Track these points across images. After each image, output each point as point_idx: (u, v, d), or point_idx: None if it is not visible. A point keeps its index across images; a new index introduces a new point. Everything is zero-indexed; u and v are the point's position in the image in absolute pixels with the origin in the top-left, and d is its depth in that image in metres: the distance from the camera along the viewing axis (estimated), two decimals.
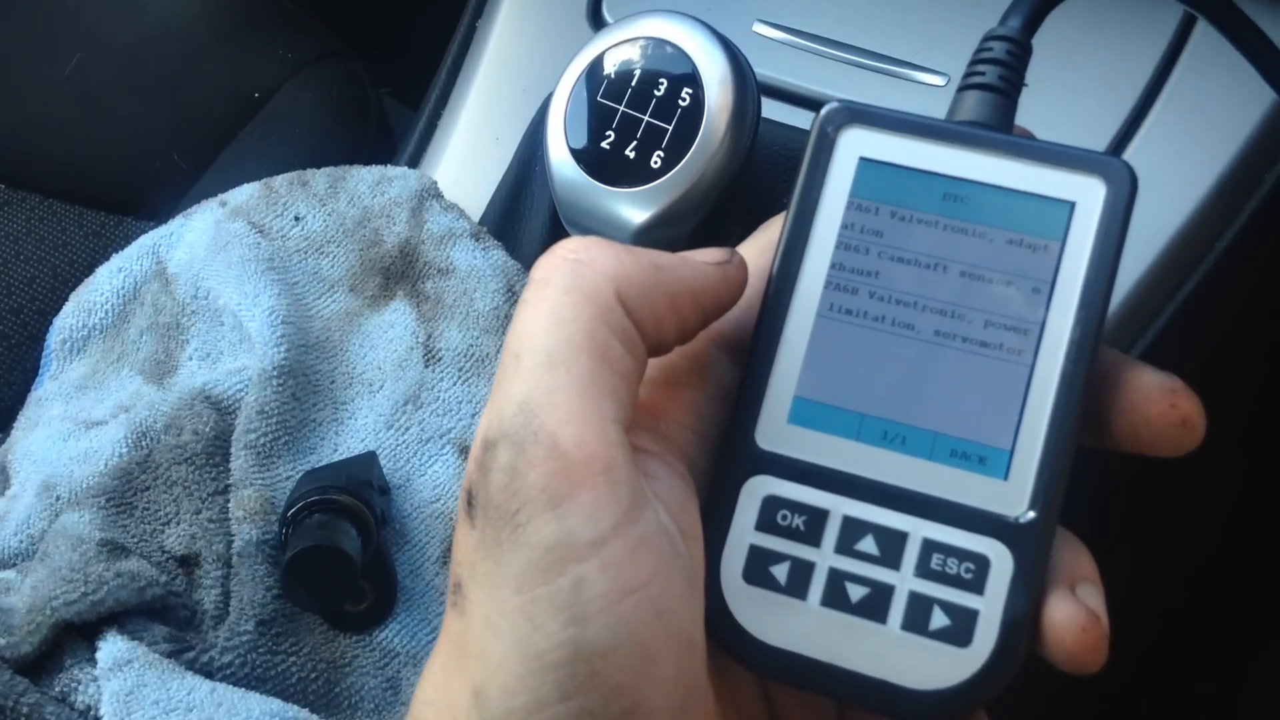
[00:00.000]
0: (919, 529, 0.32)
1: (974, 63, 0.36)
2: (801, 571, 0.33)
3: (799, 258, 0.34)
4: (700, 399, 0.35)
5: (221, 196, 0.65)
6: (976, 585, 0.32)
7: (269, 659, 0.50)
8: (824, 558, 0.33)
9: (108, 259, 0.65)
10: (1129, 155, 0.56)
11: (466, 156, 0.67)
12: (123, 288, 0.63)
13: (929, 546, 0.32)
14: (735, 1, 0.62)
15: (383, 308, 0.61)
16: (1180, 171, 0.57)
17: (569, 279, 0.31)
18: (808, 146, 0.35)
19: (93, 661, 0.48)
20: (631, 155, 0.51)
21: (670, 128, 0.51)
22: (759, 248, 0.36)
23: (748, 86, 0.51)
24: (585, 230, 0.53)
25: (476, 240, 0.61)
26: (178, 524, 0.53)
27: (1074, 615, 0.31)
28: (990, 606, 0.32)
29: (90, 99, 0.78)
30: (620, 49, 0.52)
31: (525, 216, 0.62)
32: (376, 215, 0.63)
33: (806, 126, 0.58)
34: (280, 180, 0.65)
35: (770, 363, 0.34)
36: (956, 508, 0.32)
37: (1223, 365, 0.65)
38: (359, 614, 0.52)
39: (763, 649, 0.33)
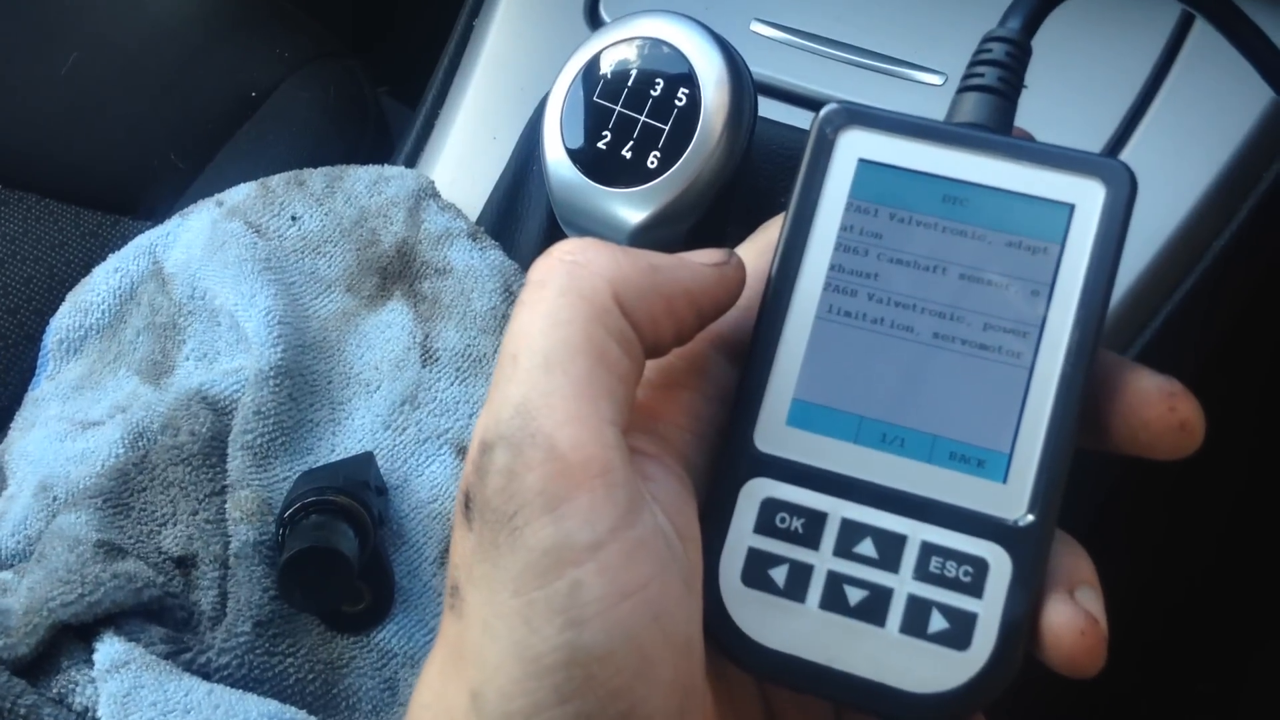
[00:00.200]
0: (918, 532, 0.32)
1: (973, 64, 0.36)
2: (800, 574, 0.33)
3: (798, 259, 0.34)
4: (698, 401, 0.34)
5: (218, 196, 0.65)
6: (975, 588, 0.32)
7: (266, 660, 0.50)
8: (822, 560, 0.33)
9: (104, 259, 0.65)
10: (1126, 155, 0.56)
11: (464, 156, 0.67)
12: (119, 288, 0.63)
13: (928, 549, 0.32)
14: (733, 1, 0.62)
15: (380, 308, 0.60)
16: (1178, 171, 0.56)
17: (566, 281, 0.31)
18: (807, 148, 0.35)
19: (90, 663, 0.48)
20: (628, 155, 0.51)
21: (667, 128, 0.51)
22: (758, 249, 0.36)
23: (744, 86, 0.51)
24: (582, 230, 0.53)
25: (474, 240, 0.61)
26: (174, 525, 0.53)
27: (1072, 619, 0.31)
28: (989, 610, 0.32)
29: (87, 98, 0.78)
30: (617, 49, 0.52)
31: (522, 216, 0.62)
32: (373, 215, 0.63)
33: (804, 126, 0.58)
34: (277, 180, 0.65)
35: (769, 365, 0.34)
36: (955, 511, 0.32)
37: (1221, 365, 0.65)
38: (356, 615, 0.52)
39: (761, 652, 0.32)
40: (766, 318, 0.34)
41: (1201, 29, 0.58)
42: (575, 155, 0.52)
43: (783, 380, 0.34)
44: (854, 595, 0.32)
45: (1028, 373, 0.33)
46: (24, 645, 0.47)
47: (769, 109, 0.58)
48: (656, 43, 0.52)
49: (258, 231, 0.62)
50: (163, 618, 0.50)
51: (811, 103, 0.61)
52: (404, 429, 0.57)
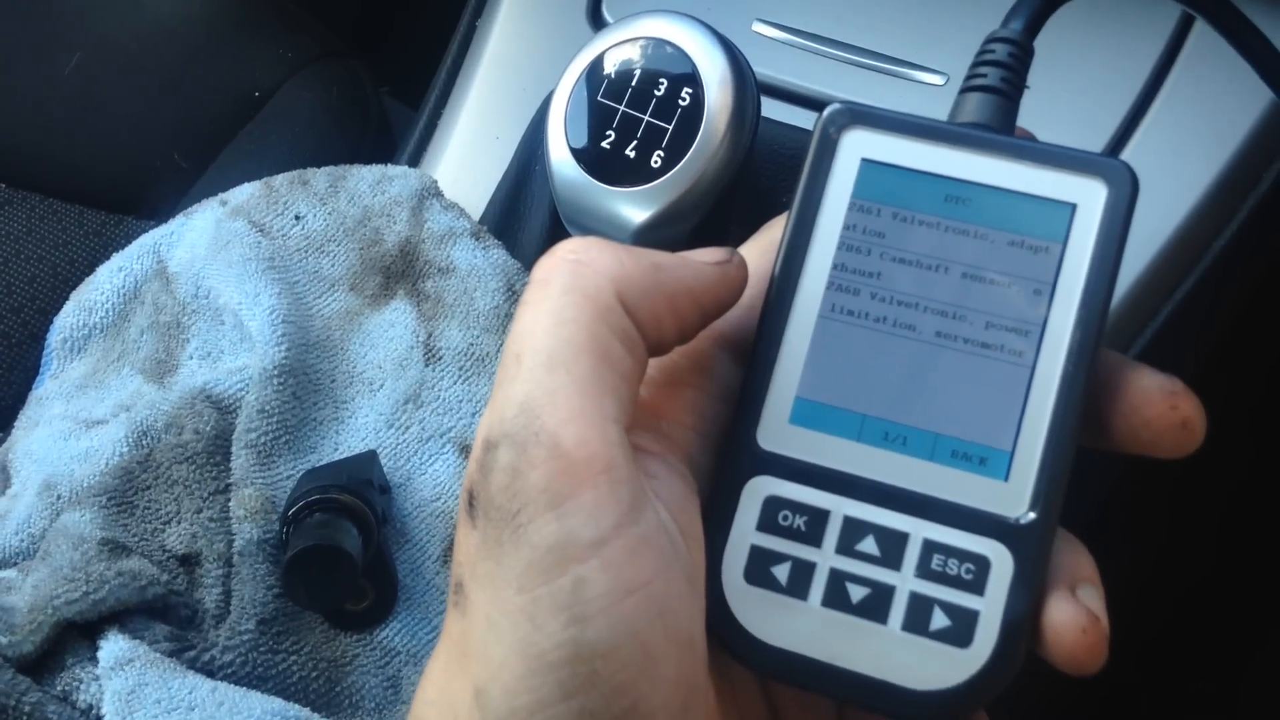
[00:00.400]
0: (920, 530, 0.33)
1: (976, 64, 0.36)
2: (802, 572, 0.33)
3: (801, 258, 0.34)
4: (701, 399, 0.35)
5: (222, 196, 0.65)
6: (977, 586, 0.32)
7: (270, 658, 0.50)
8: (825, 558, 0.33)
9: (108, 258, 0.65)
10: (1127, 155, 0.56)
11: (466, 156, 0.67)
12: (123, 287, 0.63)
13: (930, 547, 0.32)
14: (735, 1, 0.62)
15: (383, 307, 0.61)
16: (1178, 171, 0.57)
17: (569, 279, 0.31)
18: (810, 147, 0.35)
19: (94, 660, 0.48)
20: (632, 155, 0.51)
21: (670, 127, 0.51)
22: (760, 248, 0.36)
23: (747, 86, 0.51)
24: (585, 230, 0.53)
25: (477, 239, 0.61)
26: (179, 523, 0.53)
27: (1074, 616, 0.31)
28: (991, 607, 0.32)
29: (90, 98, 0.78)
30: (620, 49, 0.52)
31: (525, 216, 0.62)
32: (377, 214, 0.63)
33: (806, 125, 0.59)
34: (281, 179, 0.65)
35: (772, 363, 0.34)
36: (957, 509, 0.33)
37: (1221, 365, 0.65)
38: (360, 613, 0.52)
39: (764, 649, 0.33)
40: (770, 316, 0.34)
41: (1201, 30, 0.58)
42: (579, 154, 0.52)
43: (786, 378, 0.34)
44: (856, 593, 0.33)
45: (1030, 371, 0.33)
46: (29, 643, 0.47)
47: (770, 109, 0.58)
48: (660, 42, 0.52)
49: (261, 231, 0.62)
50: (167, 616, 0.50)
51: (813, 103, 0.61)
52: (407, 427, 0.57)
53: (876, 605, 0.32)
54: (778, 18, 0.62)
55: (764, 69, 0.58)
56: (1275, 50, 0.39)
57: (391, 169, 0.65)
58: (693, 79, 0.51)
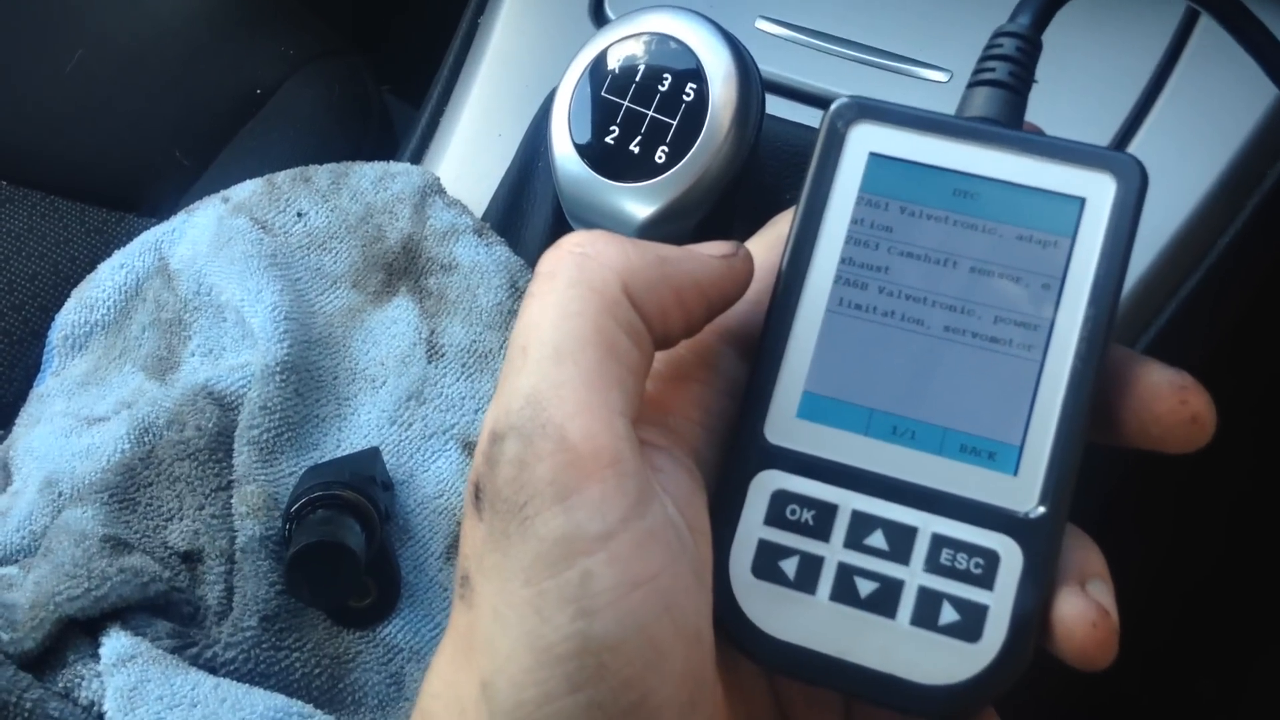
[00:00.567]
0: (928, 524, 0.32)
1: (984, 59, 0.36)
2: (810, 566, 0.33)
3: (808, 252, 0.34)
4: (708, 394, 0.35)
5: (224, 193, 0.65)
6: (986, 580, 0.32)
7: (272, 655, 0.50)
8: (833, 552, 0.33)
9: (109, 256, 0.65)
10: (1131, 151, 0.56)
11: (468, 153, 0.67)
12: (125, 284, 0.63)
13: (938, 541, 0.32)
14: None
15: (385, 304, 0.60)
16: (1183, 168, 0.56)
17: (575, 272, 0.31)
18: (818, 141, 0.35)
19: (96, 657, 0.48)
20: (636, 150, 0.51)
21: (675, 123, 0.51)
22: (767, 243, 0.36)
23: (752, 82, 0.51)
24: (589, 225, 0.53)
25: (479, 236, 0.61)
26: (181, 520, 0.53)
27: (1084, 611, 0.31)
28: (1000, 602, 0.32)
29: (92, 96, 0.78)
30: (624, 44, 0.52)
31: (528, 213, 0.62)
32: (379, 211, 0.63)
33: (809, 123, 0.59)
34: (283, 176, 0.65)
35: (779, 357, 0.34)
36: (966, 503, 0.32)
37: (1227, 362, 0.65)
38: (362, 610, 0.52)
39: (771, 643, 0.33)
40: (777, 310, 0.34)
41: (1206, 26, 0.58)
42: (583, 150, 0.52)
43: (793, 373, 0.34)
44: (864, 587, 0.32)
45: (1039, 366, 0.33)
46: (30, 639, 0.47)
47: (773, 106, 0.58)
48: (664, 38, 0.52)
49: (263, 228, 0.62)
50: (169, 612, 0.50)
51: (816, 100, 0.61)
52: (410, 424, 0.57)
53: (885, 599, 0.32)
54: (781, 15, 0.62)
55: (767, 66, 0.57)
56: None
57: (394, 166, 0.65)
58: (697, 74, 0.51)
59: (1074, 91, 0.58)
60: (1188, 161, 0.56)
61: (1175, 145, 0.57)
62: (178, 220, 0.64)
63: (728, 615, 0.33)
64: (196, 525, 0.52)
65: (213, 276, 0.61)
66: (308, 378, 0.57)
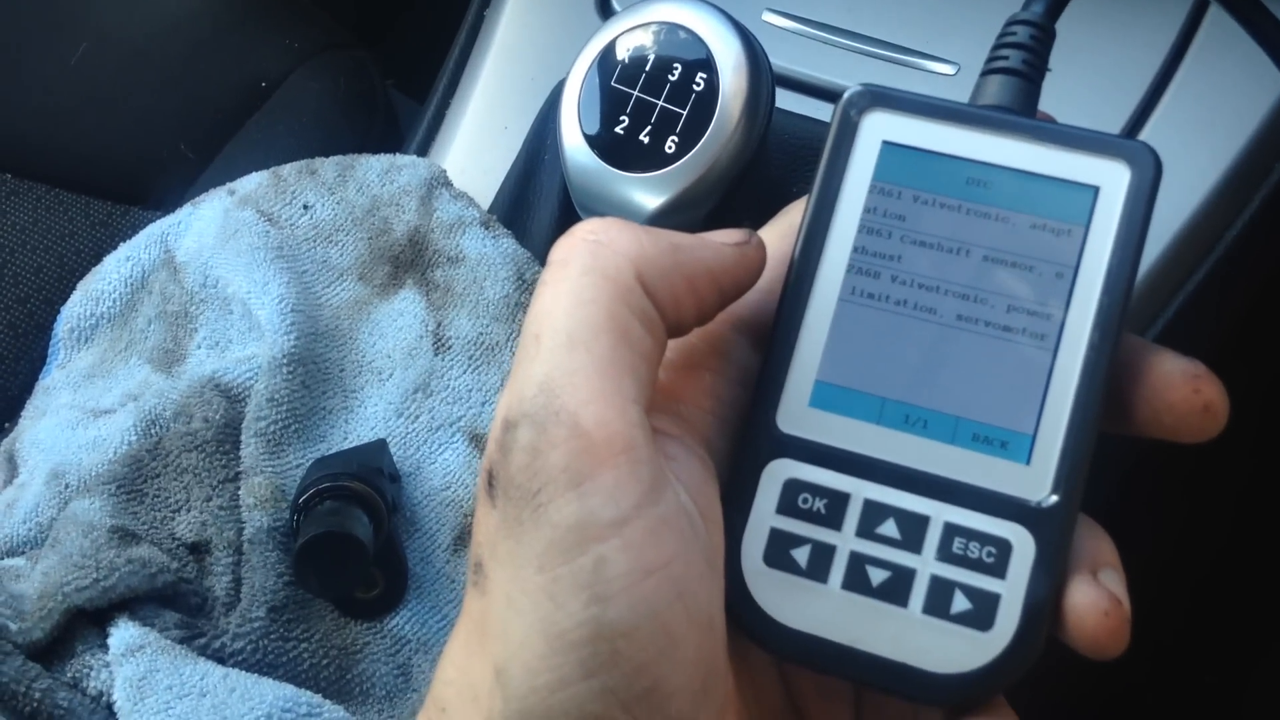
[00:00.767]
0: (941, 513, 0.32)
1: (997, 47, 0.36)
2: (822, 555, 0.33)
3: (821, 241, 0.34)
4: (720, 382, 0.34)
5: (230, 185, 0.65)
6: (998, 569, 0.32)
7: (280, 645, 0.50)
8: (845, 541, 0.33)
9: (115, 248, 0.65)
10: None
11: (474, 146, 0.67)
12: (131, 276, 0.63)
13: (951, 530, 0.32)
14: None
15: (392, 296, 0.60)
16: (1191, 160, 0.56)
17: (588, 260, 0.31)
18: (830, 130, 0.35)
19: (104, 648, 0.48)
20: (645, 140, 0.51)
21: (685, 113, 0.51)
22: (779, 232, 0.36)
23: (762, 72, 0.51)
24: (599, 216, 0.52)
25: (486, 228, 0.61)
26: (188, 511, 0.53)
27: (1096, 600, 0.31)
28: (1012, 590, 0.32)
29: (97, 89, 0.78)
30: (634, 34, 0.52)
31: (534, 205, 0.62)
32: (386, 204, 0.63)
33: (816, 115, 0.59)
34: (289, 169, 0.65)
35: (792, 346, 0.34)
36: (978, 492, 0.32)
37: (1234, 354, 0.65)
38: (370, 601, 0.52)
39: (783, 632, 0.32)
40: (789, 299, 0.34)
41: (1215, 17, 0.57)
42: (592, 140, 0.52)
43: (805, 362, 0.34)
44: (876, 576, 0.32)
45: (1052, 355, 0.33)
46: (39, 630, 0.47)
47: (779, 99, 0.57)
48: (674, 28, 0.52)
49: (270, 220, 0.62)
50: (176, 603, 0.50)
51: (824, 92, 0.60)
52: (416, 417, 0.57)
53: (897, 588, 0.32)
54: (788, 7, 0.62)
55: (774, 59, 0.57)
56: None
57: (400, 158, 0.65)
58: (707, 64, 0.51)
59: (1083, 83, 0.57)
60: (1196, 153, 0.56)
61: (1184, 137, 0.57)
62: (183, 213, 0.64)
63: (739, 603, 0.33)
64: (204, 517, 0.52)
65: (219, 269, 0.61)
66: (314, 370, 0.57)
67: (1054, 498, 0.32)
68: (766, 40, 0.53)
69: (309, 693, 0.47)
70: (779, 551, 0.33)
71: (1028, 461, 0.32)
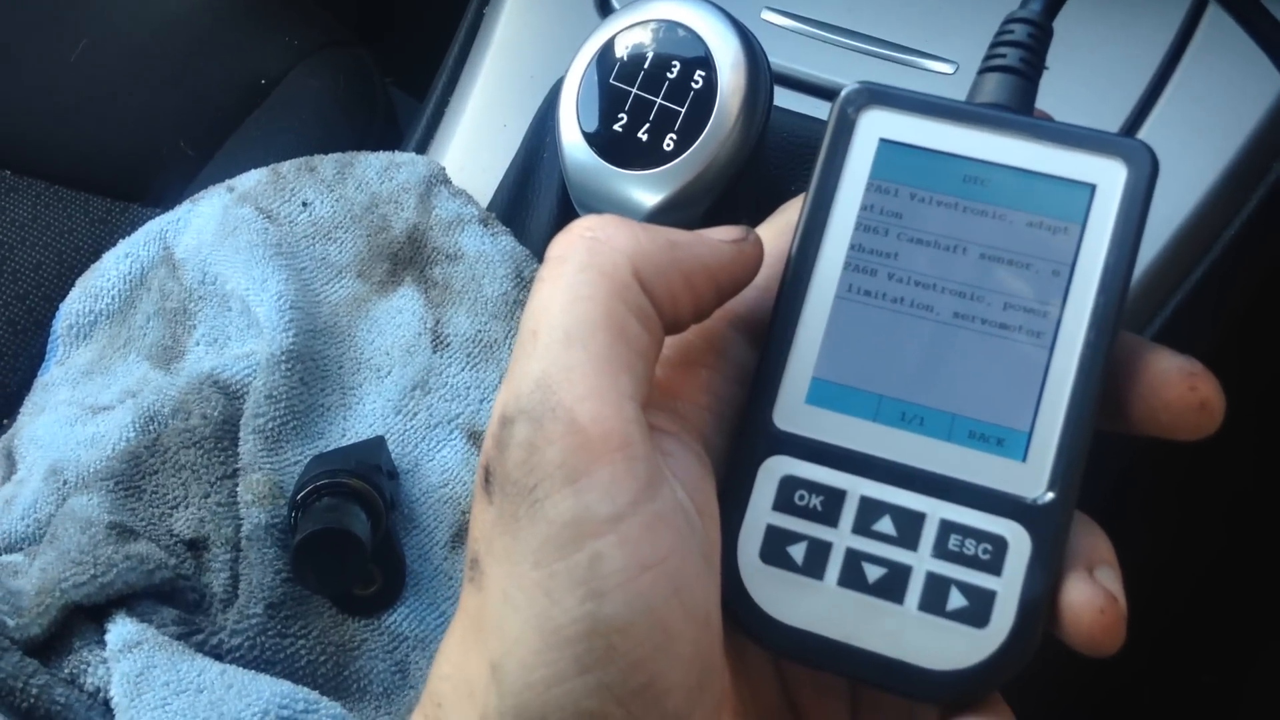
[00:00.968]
0: (937, 510, 0.32)
1: (995, 45, 0.36)
2: (819, 551, 0.33)
3: (818, 239, 0.34)
4: (717, 379, 0.35)
5: (229, 182, 0.65)
6: (994, 566, 0.32)
7: (278, 642, 0.50)
8: (841, 538, 0.33)
9: (114, 245, 0.65)
10: None
11: (473, 144, 0.67)
12: (129, 273, 0.63)
13: (947, 527, 0.32)
14: None
15: (391, 293, 0.60)
16: (1189, 160, 0.56)
17: (586, 256, 0.31)
18: (828, 127, 0.35)
19: (102, 644, 0.48)
20: (644, 138, 0.51)
21: (683, 110, 0.51)
22: (777, 229, 0.36)
23: (760, 70, 0.51)
24: (597, 213, 0.52)
25: (485, 226, 0.61)
26: (186, 508, 0.53)
27: (1092, 597, 0.31)
28: (1008, 587, 0.32)
29: (96, 85, 0.78)
30: (633, 31, 0.52)
31: (533, 203, 0.62)
32: (384, 201, 0.63)
33: (814, 114, 0.59)
34: (288, 166, 0.65)
35: (788, 343, 0.34)
36: (974, 489, 0.32)
37: (1232, 354, 0.65)
38: (368, 598, 0.52)
39: (779, 628, 0.33)
40: (786, 296, 0.34)
41: (1214, 15, 0.57)
42: (591, 138, 0.52)
43: (802, 359, 0.34)
44: (873, 573, 0.32)
45: (1048, 352, 0.33)
46: (36, 626, 0.47)
47: (777, 97, 0.57)
48: (672, 25, 0.52)
49: (269, 217, 0.62)
50: (174, 600, 0.50)
51: (822, 91, 0.61)
52: (415, 414, 0.57)
53: (893, 585, 0.32)
54: (787, 5, 0.62)
55: (773, 57, 0.57)
56: None
57: (399, 156, 0.65)
58: (706, 62, 0.51)
59: (1081, 82, 0.57)
60: (1194, 152, 0.56)
61: (1182, 136, 0.57)
62: (183, 209, 0.64)
63: (736, 600, 0.33)
64: (202, 513, 0.52)
65: (218, 266, 0.61)
66: (313, 367, 0.57)
67: (1050, 495, 0.32)
68: (765, 38, 0.53)
69: (306, 689, 0.47)
70: (775, 548, 0.33)
71: (1024, 459, 0.32)
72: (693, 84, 0.51)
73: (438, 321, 0.59)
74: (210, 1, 0.82)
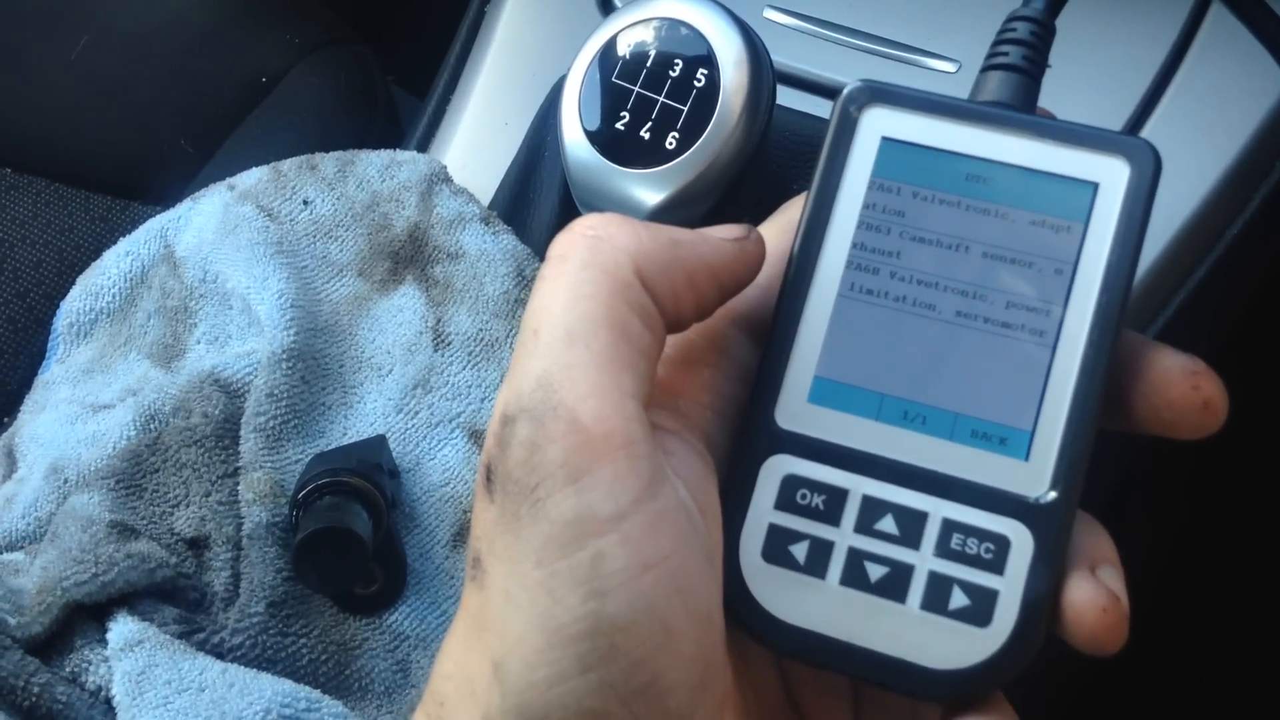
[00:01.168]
0: (939, 509, 0.32)
1: (998, 43, 0.36)
2: (821, 551, 0.33)
3: (820, 237, 0.34)
4: (719, 378, 0.34)
5: (230, 180, 0.65)
6: (996, 565, 0.32)
7: (279, 640, 0.50)
8: (843, 537, 0.33)
9: (114, 243, 0.64)
10: None
11: (475, 142, 0.67)
12: (130, 271, 0.63)
13: (949, 526, 0.32)
14: None
15: (392, 292, 0.60)
16: (1192, 158, 0.56)
17: (588, 255, 0.31)
18: (830, 126, 0.35)
19: (103, 643, 0.48)
20: (646, 136, 0.51)
21: (685, 109, 0.51)
22: (779, 228, 0.36)
23: (763, 67, 0.51)
24: (599, 212, 0.52)
25: (486, 224, 0.61)
26: (187, 506, 0.53)
27: (1094, 596, 0.31)
28: (1010, 587, 0.32)
29: (97, 83, 0.78)
30: (635, 30, 0.52)
31: (534, 201, 0.62)
32: (386, 199, 0.63)
33: (816, 112, 0.59)
34: (289, 164, 0.64)
35: (791, 342, 0.34)
36: (977, 488, 0.32)
37: (1234, 353, 0.65)
38: (369, 596, 0.52)
39: (781, 628, 0.32)
40: (788, 295, 0.34)
41: (1217, 14, 0.57)
42: (593, 136, 0.52)
43: (804, 357, 0.34)
44: (875, 572, 0.32)
45: (1050, 351, 0.33)
46: (37, 624, 0.47)
47: (780, 95, 0.57)
48: (675, 24, 0.52)
49: (270, 215, 0.62)
50: (175, 598, 0.50)
51: (824, 89, 0.60)
52: (416, 413, 0.57)
53: (895, 584, 0.32)
54: (789, 4, 0.62)
55: (775, 55, 0.57)
56: None
57: (400, 154, 0.65)
58: (708, 60, 0.51)
59: (1084, 81, 0.57)
60: (1197, 151, 0.56)
61: (1185, 134, 0.56)
62: (183, 208, 0.64)
63: (738, 599, 0.33)
64: (203, 512, 0.52)
65: (219, 264, 0.61)
66: (314, 365, 0.57)
67: (1052, 494, 0.32)
68: (767, 37, 0.53)
69: (308, 688, 0.47)
70: (777, 547, 0.33)
71: (1026, 458, 0.32)
72: (695, 82, 0.51)
73: (439, 320, 0.59)
74: None
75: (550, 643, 0.28)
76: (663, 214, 0.51)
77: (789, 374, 0.34)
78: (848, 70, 0.60)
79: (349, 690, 0.51)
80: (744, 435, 0.34)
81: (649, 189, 0.51)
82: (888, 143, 0.35)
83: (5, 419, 0.64)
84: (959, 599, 0.32)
